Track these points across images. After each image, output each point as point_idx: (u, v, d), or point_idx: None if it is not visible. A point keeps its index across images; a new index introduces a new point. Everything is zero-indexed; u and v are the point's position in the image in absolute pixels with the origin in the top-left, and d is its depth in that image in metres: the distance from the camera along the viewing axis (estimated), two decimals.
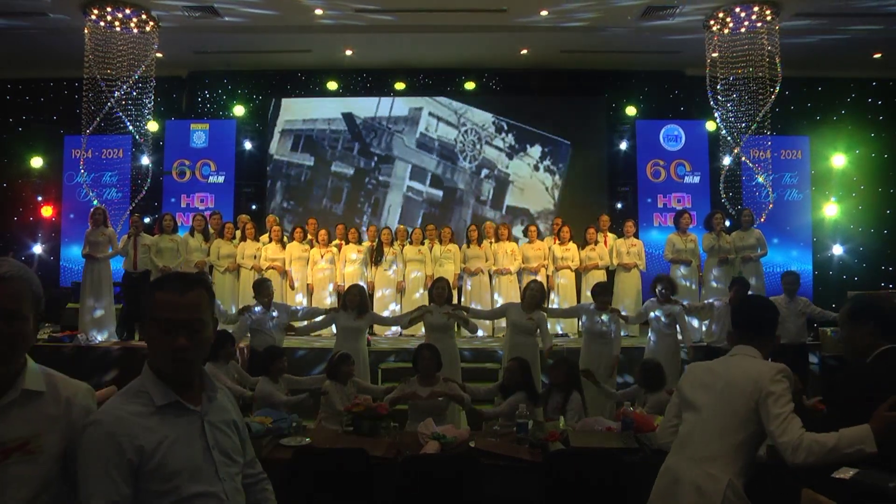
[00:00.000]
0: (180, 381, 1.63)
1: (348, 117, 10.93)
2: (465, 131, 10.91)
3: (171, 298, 1.61)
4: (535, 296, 5.93)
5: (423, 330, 6.23)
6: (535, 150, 10.90)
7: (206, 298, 1.68)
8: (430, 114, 10.93)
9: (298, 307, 7.11)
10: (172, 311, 1.60)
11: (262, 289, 6.22)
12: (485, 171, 10.89)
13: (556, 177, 10.88)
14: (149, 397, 1.59)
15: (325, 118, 10.95)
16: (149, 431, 1.53)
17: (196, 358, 1.65)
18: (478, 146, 10.90)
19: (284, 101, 11.00)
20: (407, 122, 10.94)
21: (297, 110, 11.00)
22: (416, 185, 10.87)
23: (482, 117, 10.92)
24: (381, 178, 10.89)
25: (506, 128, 10.91)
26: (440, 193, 10.87)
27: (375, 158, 10.91)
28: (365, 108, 10.95)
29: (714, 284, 7.75)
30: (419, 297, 8.21)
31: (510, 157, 10.90)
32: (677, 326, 6.26)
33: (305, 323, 6.42)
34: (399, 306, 8.42)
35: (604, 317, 6.00)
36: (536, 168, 10.90)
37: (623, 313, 6.43)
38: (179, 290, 1.63)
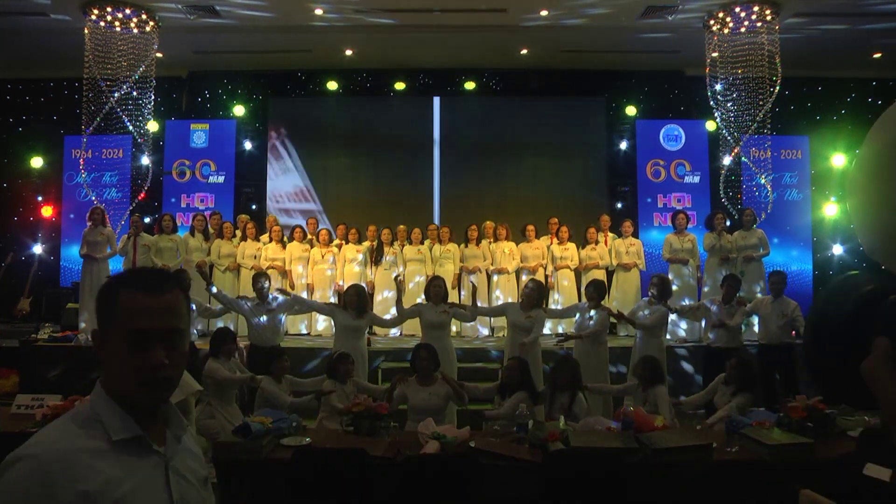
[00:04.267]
0: (147, 410, 1.24)
1: None
2: None
3: (144, 301, 1.22)
4: (532, 295, 5.94)
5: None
6: None
7: (184, 302, 1.30)
8: None
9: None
10: (147, 317, 1.21)
11: (256, 282, 6.25)
12: None
13: None
14: (102, 428, 1.18)
15: None
16: (97, 474, 1.12)
17: (175, 378, 1.25)
18: None
19: None
20: None
21: None
22: None
23: None
24: None
25: None
26: None
27: None
28: None
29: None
30: (421, 300, 8.18)
31: None
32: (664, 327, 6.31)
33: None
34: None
35: (593, 313, 6.01)
36: None
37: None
38: (154, 290, 1.24)
